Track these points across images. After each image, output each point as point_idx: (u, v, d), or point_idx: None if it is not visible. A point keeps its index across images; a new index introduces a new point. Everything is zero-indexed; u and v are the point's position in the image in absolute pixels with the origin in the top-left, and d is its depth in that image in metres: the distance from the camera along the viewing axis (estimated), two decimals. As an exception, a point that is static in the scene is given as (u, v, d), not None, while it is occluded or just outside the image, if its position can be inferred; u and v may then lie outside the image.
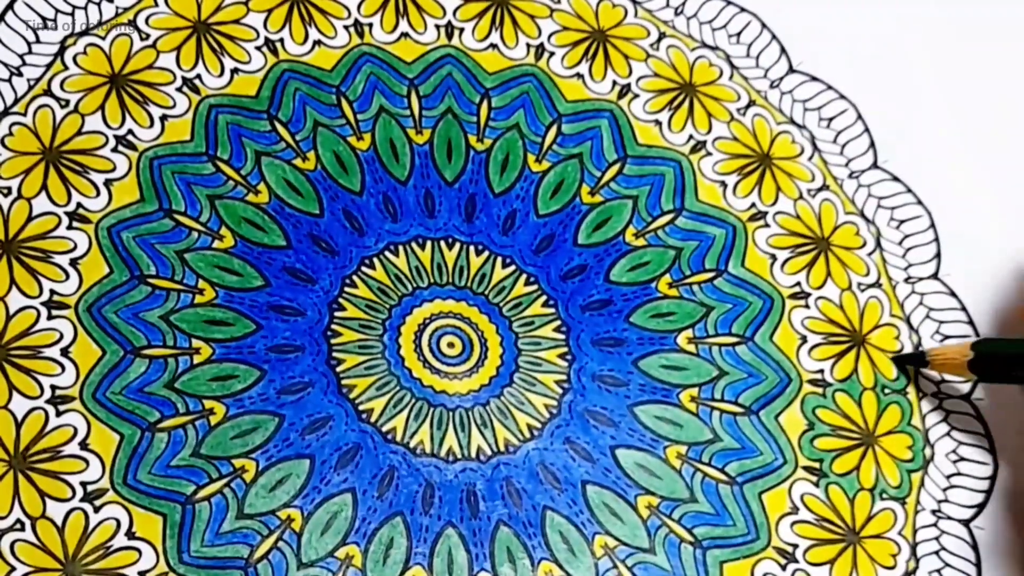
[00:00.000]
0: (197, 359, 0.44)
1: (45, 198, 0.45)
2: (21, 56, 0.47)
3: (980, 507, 0.48)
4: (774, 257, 0.51)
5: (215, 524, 0.41)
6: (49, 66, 0.47)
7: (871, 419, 0.49)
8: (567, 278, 0.48)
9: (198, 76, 0.48)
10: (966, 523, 0.47)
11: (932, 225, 0.53)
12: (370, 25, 0.51)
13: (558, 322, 0.47)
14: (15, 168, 0.45)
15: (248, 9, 0.50)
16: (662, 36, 0.54)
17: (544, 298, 0.48)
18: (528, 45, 0.52)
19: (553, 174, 0.50)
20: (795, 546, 0.46)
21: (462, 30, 0.52)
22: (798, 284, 0.50)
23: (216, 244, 0.46)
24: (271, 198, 0.47)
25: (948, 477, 0.48)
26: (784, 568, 0.45)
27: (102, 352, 0.43)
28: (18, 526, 0.40)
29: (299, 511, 0.42)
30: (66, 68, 0.47)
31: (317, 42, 0.50)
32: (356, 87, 0.50)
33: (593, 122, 0.51)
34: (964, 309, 0.51)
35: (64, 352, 0.43)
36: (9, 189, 0.44)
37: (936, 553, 0.47)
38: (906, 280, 0.52)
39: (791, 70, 0.55)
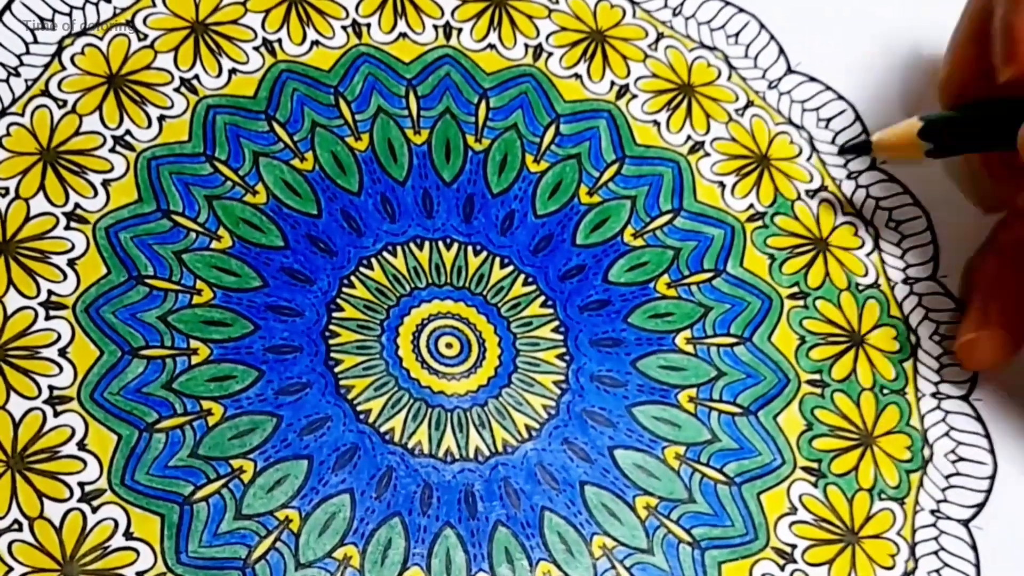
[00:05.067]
0: (195, 360, 0.44)
1: (43, 198, 0.45)
2: (19, 56, 0.47)
3: (979, 507, 0.48)
4: (773, 258, 0.51)
5: (213, 525, 0.41)
6: (47, 66, 0.47)
7: (869, 419, 0.49)
8: (565, 278, 0.48)
9: (196, 76, 0.48)
10: (965, 523, 0.47)
11: (930, 226, 0.53)
12: (368, 25, 0.51)
13: (556, 322, 0.47)
14: (13, 168, 0.45)
15: (246, 9, 0.50)
16: (660, 36, 0.54)
17: (542, 298, 0.48)
18: (526, 45, 0.52)
19: (551, 174, 0.50)
20: (794, 546, 0.46)
21: (460, 30, 0.52)
22: (796, 285, 0.50)
23: (214, 245, 0.46)
24: (269, 198, 0.47)
25: (947, 477, 0.48)
26: (783, 568, 0.45)
27: (100, 352, 0.43)
28: (16, 526, 0.40)
29: (297, 512, 0.42)
30: (64, 68, 0.47)
31: (315, 42, 0.50)
32: (354, 87, 0.50)
33: (591, 122, 0.51)
34: (962, 309, 0.51)
35: (62, 352, 0.43)
36: (7, 189, 0.44)
37: (935, 553, 0.47)
38: (904, 281, 0.52)
39: (789, 70, 0.55)
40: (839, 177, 0.53)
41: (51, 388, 0.42)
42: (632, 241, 0.50)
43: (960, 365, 0.50)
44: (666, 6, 0.55)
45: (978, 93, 0.50)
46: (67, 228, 0.44)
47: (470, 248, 0.48)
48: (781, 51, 0.55)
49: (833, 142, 0.54)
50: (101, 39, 0.48)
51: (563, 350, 0.47)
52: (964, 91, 0.51)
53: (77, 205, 0.45)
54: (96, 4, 0.48)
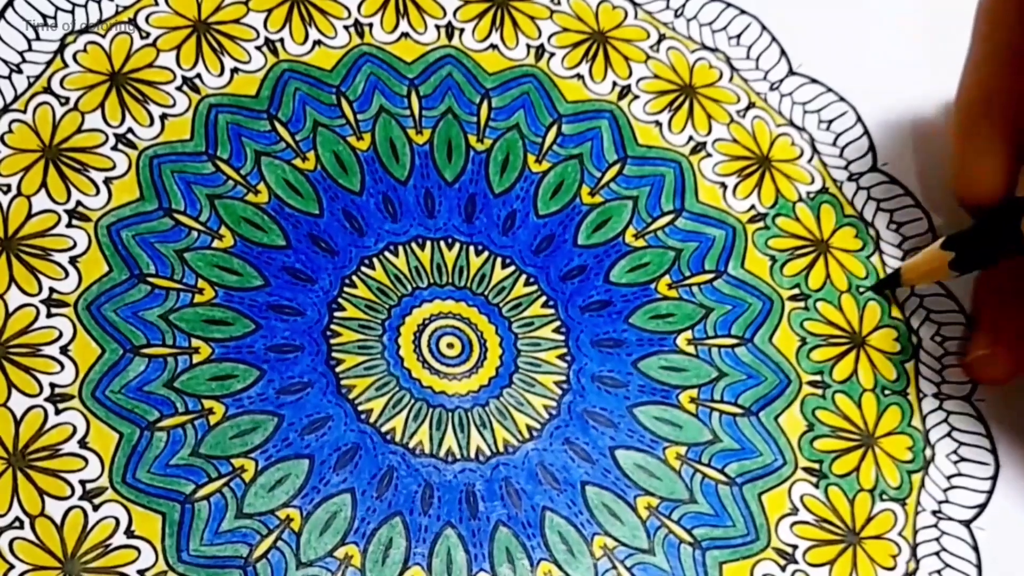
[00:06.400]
0: (196, 358, 0.44)
1: (45, 196, 0.45)
2: (21, 53, 0.47)
3: (981, 508, 0.48)
4: (774, 259, 0.51)
5: (214, 523, 0.41)
6: (49, 64, 0.47)
7: (871, 420, 0.49)
8: (567, 279, 0.48)
9: (198, 75, 0.48)
10: (967, 524, 0.47)
11: (931, 228, 0.53)
12: (370, 25, 0.51)
13: (557, 323, 0.47)
14: (15, 165, 0.45)
15: (248, 9, 0.50)
16: (662, 38, 0.54)
17: (544, 299, 0.48)
18: (528, 46, 0.52)
19: (553, 174, 0.50)
20: (795, 547, 0.46)
21: (462, 30, 0.52)
22: (797, 286, 0.50)
23: (215, 243, 0.46)
24: (271, 198, 0.47)
25: (949, 478, 0.48)
26: (784, 569, 0.45)
27: (101, 351, 0.43)
28: (17, 524, 0.40)
29: (298, 511, 0.42)
30: (66, 66, 0.47)
31: (317, 42, 0.50)
32: (356, 87, 0.50)
33: (593, 123, 0.51)
34: (963, 311, 0.51)
35: (63, 350, 0.43)
36: (9, 186, 0.44)
37: (936, 554, 0.47)
38: (905, 282, 0.52)
39: (791, 72, 0.55)
40: (840, 179, 0.53)
41: (52, 386, 0.42)
42: (633, 242, 0.50)
43: (970, 379, 0.50)
44: (668, 7, 0.55)
45: (994, 196, 0.50)
46: (69, 226, 0.44)
47: (472, 248, 0.48)
48: (783, 53, 0.55)
49: (835, 144, 0.54)
50: (103, 37, 0.48)
51: (564, 350, 0.47)
52: (979, 200, 0.50)
53: (79, 203, 0.45)
54: (98, 2, 0.48)
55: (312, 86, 0.49)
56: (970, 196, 0.51)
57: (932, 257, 0.50)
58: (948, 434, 0.49)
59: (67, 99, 0.46)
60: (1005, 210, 0.49)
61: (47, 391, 0.42)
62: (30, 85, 0.46)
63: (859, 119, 0.54)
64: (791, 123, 0.54)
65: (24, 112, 0.46)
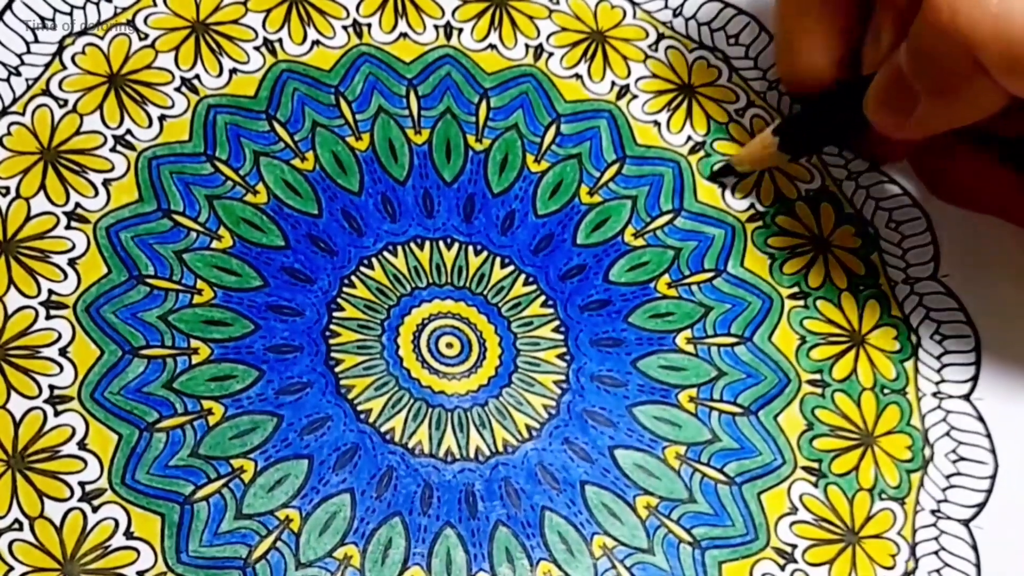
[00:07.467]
0: (195, 359, 0.44)
1: (43, 198, 0.45)
2: (19, 56, 0.47)
3: (980, 507, 0.48)
4: (773, 257, 0.51)
5: (213, 524, 0.41)
6: (47, 66, 0.47)
7: (870, 419, 0.49)
8: (566, 278, 0.48)
9: (197, 76, 0.48)
10: (966, 523, 0.47)
11: (930, 227, 0.53)
12: (369, 25, 0.51)
13: (557, 322, 0.47)
14: (13, 168, 0.45)
15: (247, 9, 0.50)
16: (661, 37, 0.54)
17: (543, 298, 0.48)
18: (527, 46, 0.52)
19: (552, 174, 0.50)
20: (794, 546, 0.46)
21: (461, 30, 0.52)
22: (797, 284, 0.50)
23: (214, 244, 0.46)
24: (270, 198, 0.47)
25: (948, 477, 0.48)
26: (783, 568, 0.45)
27: (100, 352, 0.43)
28: (16, 526, 0.40)
29: (298, 511, 0.42)
30: (64, 68, 0.47)
31: (316, 42, 0.50)
32: (355, 87, 0.50)
33: (592, 122, 0.51)
34: (963, 309, 0.51)
35: (62, 352, 0.43)
36: (7, 189, 0.45)
37: (936, 553, 0.47)
38: (905, 281, 0.52)
39: (790, 71, 0.55)
40: (839, 177, 0.53)
41: (51, 387, 0.42)
42: (633, 241, 0.50)
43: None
44: (666, 7, 0.55)
45: (820, 81, 0.49)
46: (68, 228, 0.44)
47: (471, 248, 0.48)
48: (781, 52, 0.55)
49: (833, 142, 0.54)
50: (102, 39, 0.48)
51: (563, 350, 0.47)
52: (804, 84, 0.50)
53: (78, 204, 0.45)
54: (97, 3, 0.48)
55: (311, 86, 0.49)
56: (795, 80, 0.50)
57: (762, 142, 0.50)
58: (947, 433, 0.49)
59: (66, 101, 0.46)
60: (836, 93, 0.48)
61: (46, 393, 0.42)
62: (29, 87, 0.46)
63: (857, 118, 0.54)
64: (790, 122, 0.54)
65: (23, 114, 0.46)
